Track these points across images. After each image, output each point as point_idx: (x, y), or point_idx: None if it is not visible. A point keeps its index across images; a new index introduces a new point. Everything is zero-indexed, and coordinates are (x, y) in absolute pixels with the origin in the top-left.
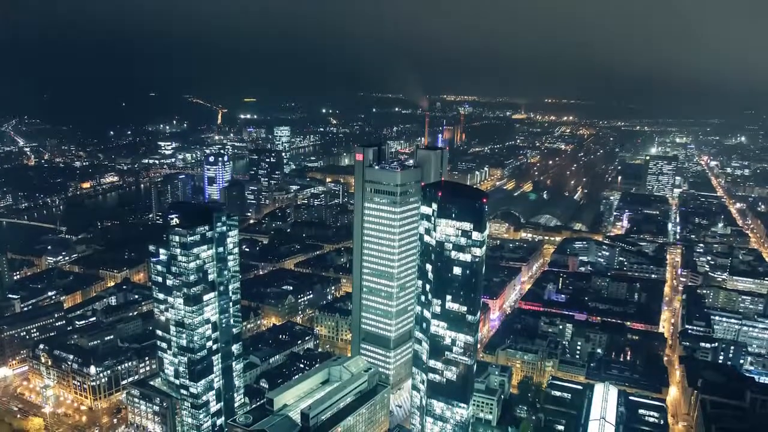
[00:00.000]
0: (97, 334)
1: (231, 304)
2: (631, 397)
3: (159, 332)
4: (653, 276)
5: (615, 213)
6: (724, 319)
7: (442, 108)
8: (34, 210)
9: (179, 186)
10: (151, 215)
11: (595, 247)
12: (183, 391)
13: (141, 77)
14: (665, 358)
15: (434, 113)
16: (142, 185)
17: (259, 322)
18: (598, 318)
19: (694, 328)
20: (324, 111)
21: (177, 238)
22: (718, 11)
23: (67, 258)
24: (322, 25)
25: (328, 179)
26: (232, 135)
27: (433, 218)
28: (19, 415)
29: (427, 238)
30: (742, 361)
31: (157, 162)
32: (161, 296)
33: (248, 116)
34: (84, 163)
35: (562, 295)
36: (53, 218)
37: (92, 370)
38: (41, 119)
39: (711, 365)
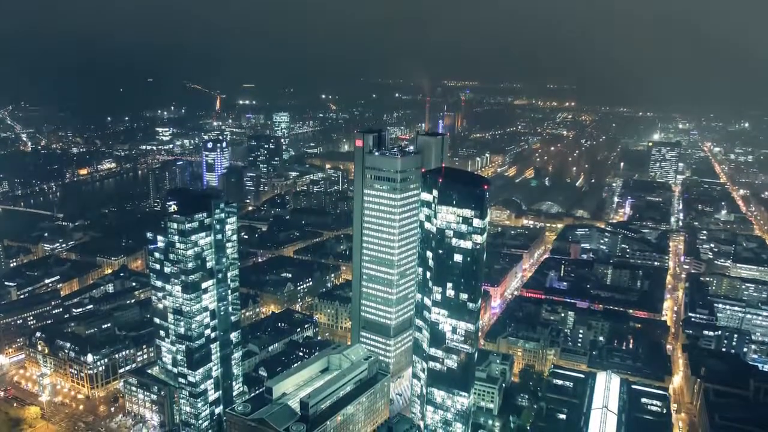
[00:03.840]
0: (95, 321)
1: (229, 291)
2: (633, 386)
3: (157, 320)
4: (656, 263)
5: (617, 200)
6: (727, 306)
7: (443, 93)
8: (30, 197)
9: (177, 172)
10: (148, 202)
11: (597, 234)
12: (181, 380)
13: (139, 63)
14: (668, 347)
15: (435, 99)
16: (139, 172)
17: (258, 309)
18: (601, 306)
19: (698, 316)
20: (323, 97)
21: (175, 225)
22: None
23: (64, 245)
24: (320, 10)
25: (327, 166)
26: (230, 121)
27: (433, 205)
28: (15, 404)
29: (427, 225)
30: (745, 350)
31: (154, 148)
32: (159, 284)
33: (247, 102)
34: (81, 150)
35: (564, 283)
36: (50, 205)
37: (89, 358)
38: (38, 105)
39: (714, 353)
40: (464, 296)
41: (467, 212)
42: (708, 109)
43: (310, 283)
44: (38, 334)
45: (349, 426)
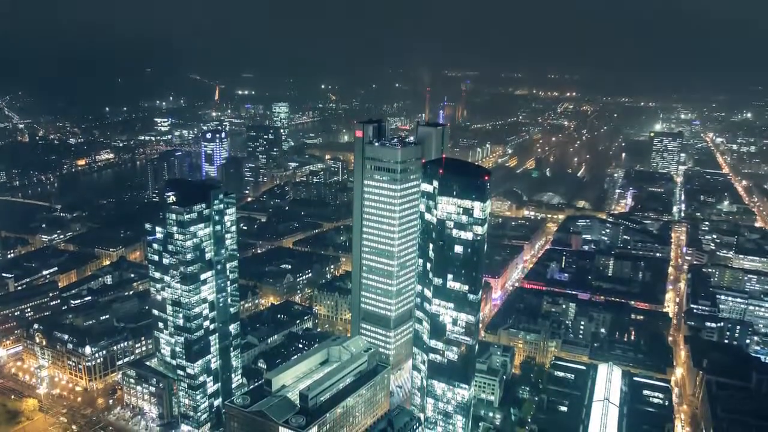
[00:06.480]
0: (93, 313)
1: (228, 283)
2: (635, 378)
3: (155, 312)
4: (658, 254)
5: (619, 190)
6: (729, 298)
7: (444, 83)
8: (28, 188)
9: (176, 163)
10: (147, 193)
11: (598, 225)
12: (180, 372)
13: (137, 53)
14: (670, 338)
15: (435, 89)
16: (138, 162)
17: (257, 301)
18: (602, 297)
19: (700, 307)
20: (323, 87)
21: (174, 216)
22: None
23: (61, 236)
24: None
25: (327, 156)
26: (229, 111)
27: (434, 196)
28: (13, 396)
29: (427, 216)
30: (748, 341)
31: (153, 139)
32: (157, 275)
33: (246, 92)
34: (79, 140)
35: (565, 274)
36: (48, 196)
37: (87, 350)
38: (36, 95)
39: (716, 345)
40: (465, 288)
41: (468, 203)
42: (710, 99)
43: (310, 274)
44: (36, 325)
45: (349, 418)
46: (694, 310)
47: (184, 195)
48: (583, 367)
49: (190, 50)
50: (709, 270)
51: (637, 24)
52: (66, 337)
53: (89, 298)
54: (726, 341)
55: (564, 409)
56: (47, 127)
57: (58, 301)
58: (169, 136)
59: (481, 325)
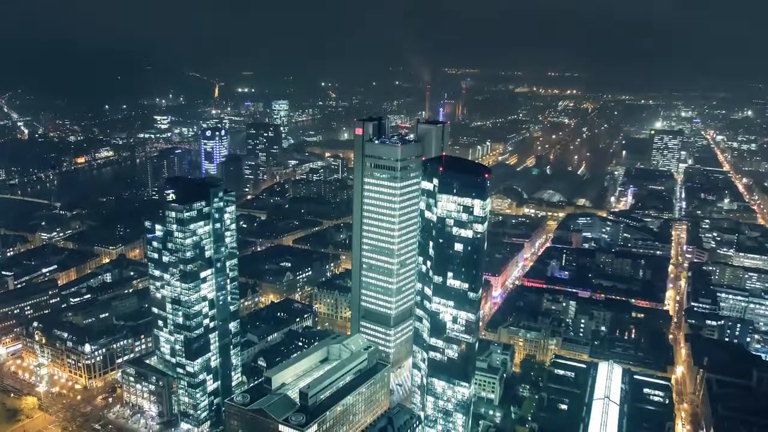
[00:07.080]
0: (92, 311)
1: (228, 281)
2: (635, 376)
3: (155, 310)
4: (658, 252)
5: (619, 188)
6: (730, 296)
7: (444, 81)
8: (27, 185)
9: (176, 161)
10: (147, 191)
11: (599, 223)
12: (179, 370)
13: (137, 51)
14: (670, 336)
15: (435, 87)
16: (137, 160)
17: (256, 299)
18: (602, 295)
19: (700, 305)
20: (323, 84)
21: (173, 214)
22: None
23: (61, 234)
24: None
25: (327, 154)
26: (229, 109)
27: (434, 194)
28: (12, 394)
29: (427, 213)
30: (749, 339)
31: (152, 136)
32: (157, 273)
33: (246, 90)
34: (79, 138)
35: (566, 272)
36: (47, 194)
37: (87, 348)
38: (36, 93)
39: (717, 343)
40: (465, 285)
41: (468, 201)
42: (711, 96)
43: (310, 272)
44: (35, 323)
45: (349, 416)
46: (695, 308)
47: (184, 193)
48: (584, 366)
49: (190, 48)
50: (710, 268)
51: (637, 24)
52: (65, 335)
53: (89, 296)
54: (726, 339)
55: (564, 407)
56: (47, 125)
57: (58, 299)
58: (169, 134)
59: (481, 323)
